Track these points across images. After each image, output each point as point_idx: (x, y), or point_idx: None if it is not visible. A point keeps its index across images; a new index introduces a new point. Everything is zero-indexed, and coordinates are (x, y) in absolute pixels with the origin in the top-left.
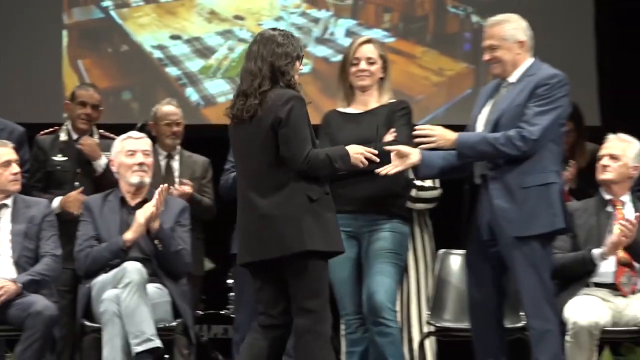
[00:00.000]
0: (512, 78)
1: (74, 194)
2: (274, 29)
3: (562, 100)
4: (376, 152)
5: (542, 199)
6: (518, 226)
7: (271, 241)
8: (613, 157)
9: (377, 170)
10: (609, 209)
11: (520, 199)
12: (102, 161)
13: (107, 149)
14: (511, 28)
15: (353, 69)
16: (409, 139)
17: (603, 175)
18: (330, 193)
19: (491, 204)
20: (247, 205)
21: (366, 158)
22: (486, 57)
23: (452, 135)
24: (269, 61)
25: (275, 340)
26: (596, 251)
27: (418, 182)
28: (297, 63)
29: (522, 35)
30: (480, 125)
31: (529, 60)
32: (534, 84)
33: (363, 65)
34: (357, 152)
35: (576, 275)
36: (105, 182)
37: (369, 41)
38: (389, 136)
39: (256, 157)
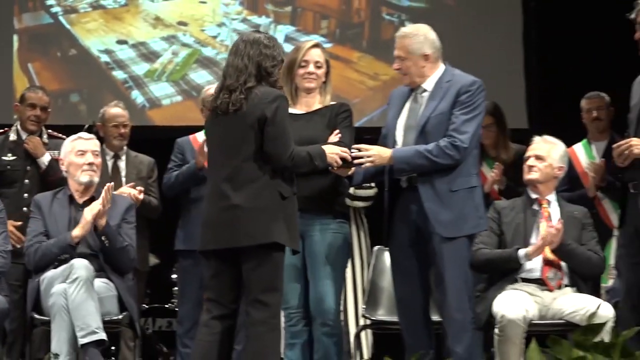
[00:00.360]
0: (427, 85)
1: (10, 227)
2: (257, 32)
3: (482, 106)
4: (350, 152)
5: (469, 202)
6: (448, 228)
7: (241, 230)
8: (539, 158)
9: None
10: (535, 207)
11: (449, 201)
12: (45, 158)
13: (55, 148)
14: (417, 42)
15: (301, 71)
16: (352, 141)
17: (529, 176)
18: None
19: (421, 206)
20: (219, 195)
21: (341, 158)
22: (395, 66)
23: (387, 153)
24: (256, 61)
25: (225, 334)
26: (522, 251)
27: None
28: (281, 66)
29: (428, 48)
30: (400, 130)
31: (441, 67)
32: (456, 91)
33: (311, 68)
34: (333, 152)
35: (499, 271)
36: (49, 178)
37: (317, 45)
38: (334, 137)
39: (236, 150)
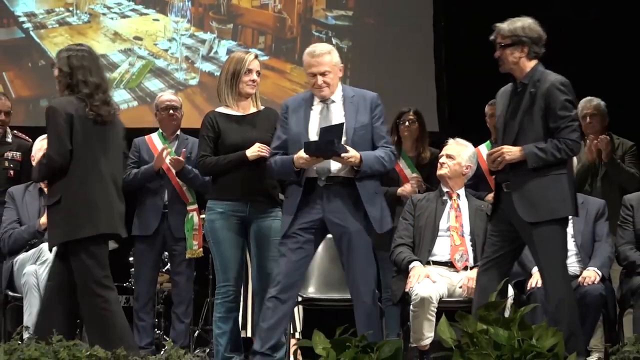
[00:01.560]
0: (335, 97)
1: None
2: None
3: None
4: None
5: (384, 203)
6: (379, 225)
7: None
8: (449, 157)
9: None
10: (446, 198)
11: (375, 202)
12: None
13: (18, 147)
14: (337, 56)
15: (246, 79)
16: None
17: (440, 171)
18: None
19: (337, 203)
20: (115, 192)
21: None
22: (319, 82)
23: (359, 156)
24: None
25: None
26: (412, 264)
27: None
28: None
29: (340, 62)
30: (313, 135)
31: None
32: (369, 105)
33: (254, 76)
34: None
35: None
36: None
37: (256, 57)
38: None
39: (117, 154)
